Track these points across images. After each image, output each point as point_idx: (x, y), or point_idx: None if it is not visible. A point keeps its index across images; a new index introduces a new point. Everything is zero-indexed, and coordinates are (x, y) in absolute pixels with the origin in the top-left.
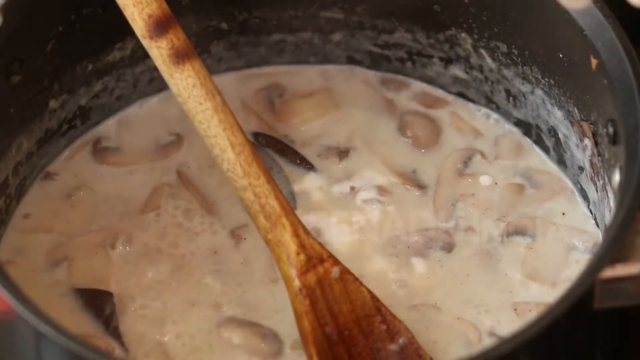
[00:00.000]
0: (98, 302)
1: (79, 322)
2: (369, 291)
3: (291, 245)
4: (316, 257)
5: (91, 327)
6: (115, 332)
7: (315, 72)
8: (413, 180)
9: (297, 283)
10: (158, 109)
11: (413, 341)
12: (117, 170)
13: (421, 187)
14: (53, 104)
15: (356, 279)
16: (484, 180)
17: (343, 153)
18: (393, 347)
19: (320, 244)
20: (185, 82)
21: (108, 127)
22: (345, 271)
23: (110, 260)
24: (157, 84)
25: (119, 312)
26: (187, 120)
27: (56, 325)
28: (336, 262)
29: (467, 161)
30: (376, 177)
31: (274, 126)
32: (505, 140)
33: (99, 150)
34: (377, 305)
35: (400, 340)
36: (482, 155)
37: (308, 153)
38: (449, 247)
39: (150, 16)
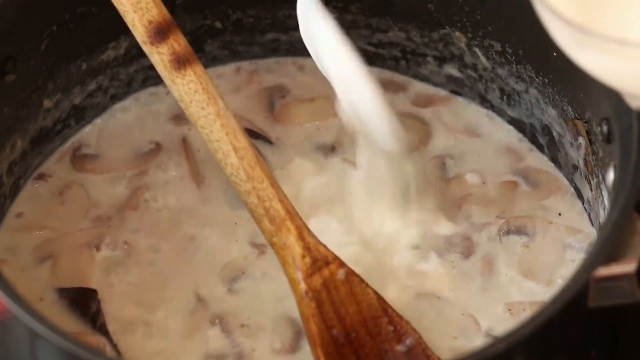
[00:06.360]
0: (84, 300)
1: (67, 321)
2: (375, 292)
3: (296, 248)
4: (322, 259)
5: (80, 325)
6: (103, 329)
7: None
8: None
9: (303, 286)
10: (138, 116)
11: (420, 341)
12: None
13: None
14: (47, 103)
15: (362, 280)
16: (471, 178)
17: (328, 153)
18: (400, 347)
19: (325, 246)
20: (187, 87)
21: (89, 134)
22: (350, 273)
23: (94, 260)
24: (151, 84)
25: (104, 310)
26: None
27: (51, 325)
28: (342, 264)
29: (443, 167)
30: (361, 180)
31: (269, 127)
32: (500, 140)
33: (78, 157)
34: (383, 306)
35: (408, 341)
36: (451, 157)
37: (296, 152)
38: (467, 253)
39: (150, 22)
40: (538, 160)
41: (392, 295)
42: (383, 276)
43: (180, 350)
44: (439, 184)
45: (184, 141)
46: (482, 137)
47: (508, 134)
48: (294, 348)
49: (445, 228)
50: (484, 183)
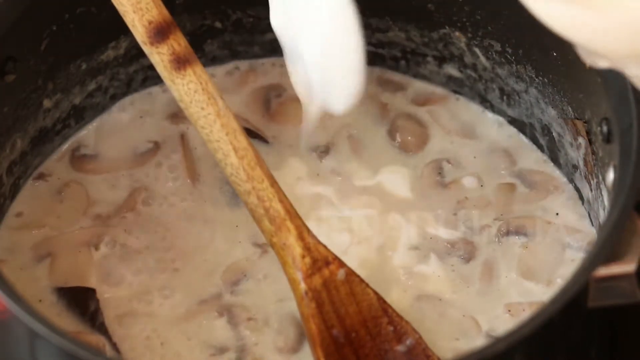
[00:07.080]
0: (82, 299)
1: (66, 320)
2: (375, 292)
3: (296, 249)
4: (321, 259)
5: (79, 324)
6: (102, 328)
7: None
8: (389, 191)
9: (303, 286)
10: (136, 116)
11: (420, 342)
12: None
13: (397, 196)
14: (47, 103)
15: (362, 280)
16: (468, 182)
17: (323, 153)
18: (400, 347)
19: (325, 246)
20: (186, 87)
21: (87, 135)
22: (350, 273)
23: (92, 259)
24: (151, 83)
25: (102, 308)
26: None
27: (51, 324)
28: (342, 264)
29: (440, 172)
30: (358, 180)
31: (265, 126)
32: (497, 140)
33: (78, 157)
34: (383, 306)
35: (408, 341)
36: (448, 161)
37: (292, 152)
38: (468, 257)
39: (150, 22)
40: (536, 161)
41: (394, 297)
42: (384, 278)
43: (180, 347)
44: (439, 192)
45: (182, 138)
46: (479, 138)
47: (506, 134)
48: (295, 348)
49: (445, 232)
50: (481, 186)
